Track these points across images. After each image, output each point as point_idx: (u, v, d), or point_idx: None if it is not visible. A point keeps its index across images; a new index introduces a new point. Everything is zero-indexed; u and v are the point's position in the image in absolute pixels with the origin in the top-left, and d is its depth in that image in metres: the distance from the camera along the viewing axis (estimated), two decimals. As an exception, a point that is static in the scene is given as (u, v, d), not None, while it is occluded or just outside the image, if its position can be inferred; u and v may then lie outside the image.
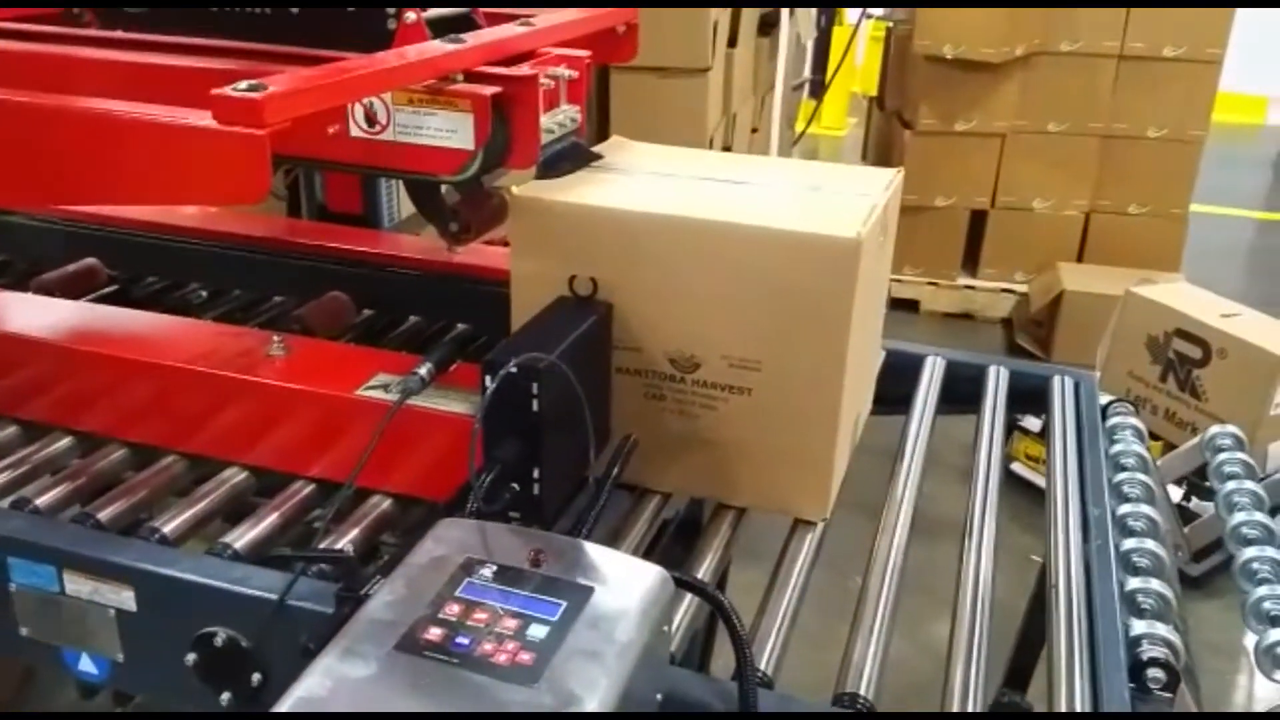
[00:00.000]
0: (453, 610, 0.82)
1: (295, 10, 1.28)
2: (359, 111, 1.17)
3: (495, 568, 0.87)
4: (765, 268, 1.09)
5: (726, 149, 3.80)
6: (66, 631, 1.13)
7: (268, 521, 1.17)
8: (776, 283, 1.10)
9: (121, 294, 1.63)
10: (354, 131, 1.18)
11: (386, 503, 1.20)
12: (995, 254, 4.63)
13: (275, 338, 1.27)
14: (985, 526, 1.22)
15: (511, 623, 0.81)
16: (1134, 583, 1.14)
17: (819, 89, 7.63)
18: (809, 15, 4.54)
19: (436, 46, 1.14)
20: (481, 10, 1.38)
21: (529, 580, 0.86)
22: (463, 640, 0.79)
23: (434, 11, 1.27)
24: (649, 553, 1.18)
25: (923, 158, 4.47)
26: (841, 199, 1.17)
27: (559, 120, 1.26)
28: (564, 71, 1.27)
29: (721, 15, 3.55)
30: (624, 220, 1.13)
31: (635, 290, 1.15)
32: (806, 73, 5.62)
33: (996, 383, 1.57)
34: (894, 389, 1.54)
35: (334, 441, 1.19)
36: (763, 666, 0.98)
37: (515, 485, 1.04)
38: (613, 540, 1.14)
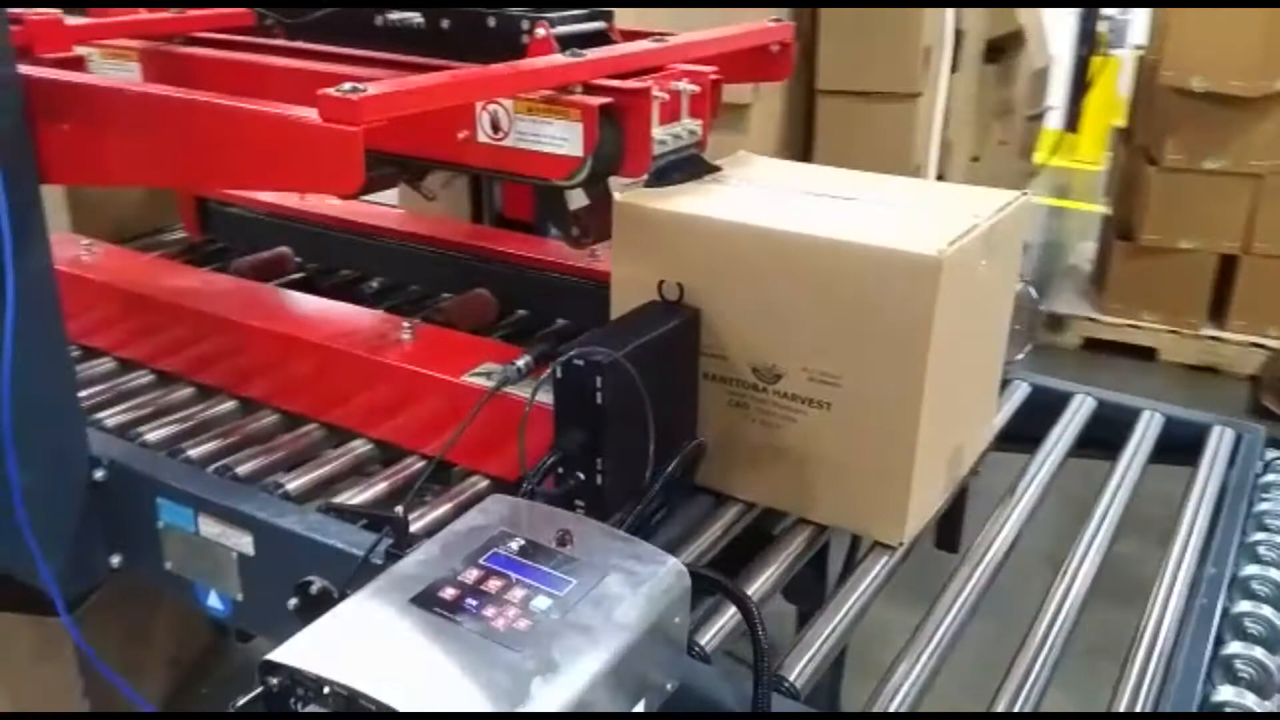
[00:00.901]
0: (472, 575, 0.88)
1: (445, 25, 1.39)
2: (486, 119, 1.27)
3: (523, 542, 0.92)
4: (845, 282, 1.10)
5: (940, 177, 3.71)
6: (199, 568, 1.28)
7: (377, 489, 1.27)
8: (856, 297, 1.10)
9: (304, 281, 1.81)
10: (481, 137, 1.27)
11: (484, 484, 1.28)
12: (1246, 304, 4.27)
13: (405, 323, 1.38)
14: (1076, 580, 1.16)
15: (520, 593, 0.86)
16: (1235, 647, 1.06)
17: (1074, 121, 7.29)
18: (1041, 42, 4.36)
19: (548, 60, 1.22)
20: (621, 28, 1.46)
21: (549, 557, 0.91)
22: (472, 602, 0.85)
23: (568, 28, 1.36)
24: (719, 558, 1.20)
25: (1167, 196, 4.19)
26: (944, 218, 1.15)
27: (675, 132, 1.31)
28: (685, 86, 1.32)
29: (938, 39, 3.48)
30: (710, 228, 1.17)
31: (721, 298, 1.18)
32: (1048, 102, 5.38)
33: (1146, 429, 1.49)
34: (1038, 427, 1.49)
35: (440, 421, 1.28)
36: (792, 677, 0.98)
37: (580, 475, 1.09)
38: (682, 541, 1.17)
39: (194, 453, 1.34)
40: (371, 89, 0.98)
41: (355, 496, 1.25)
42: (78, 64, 1.47)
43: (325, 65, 1.36)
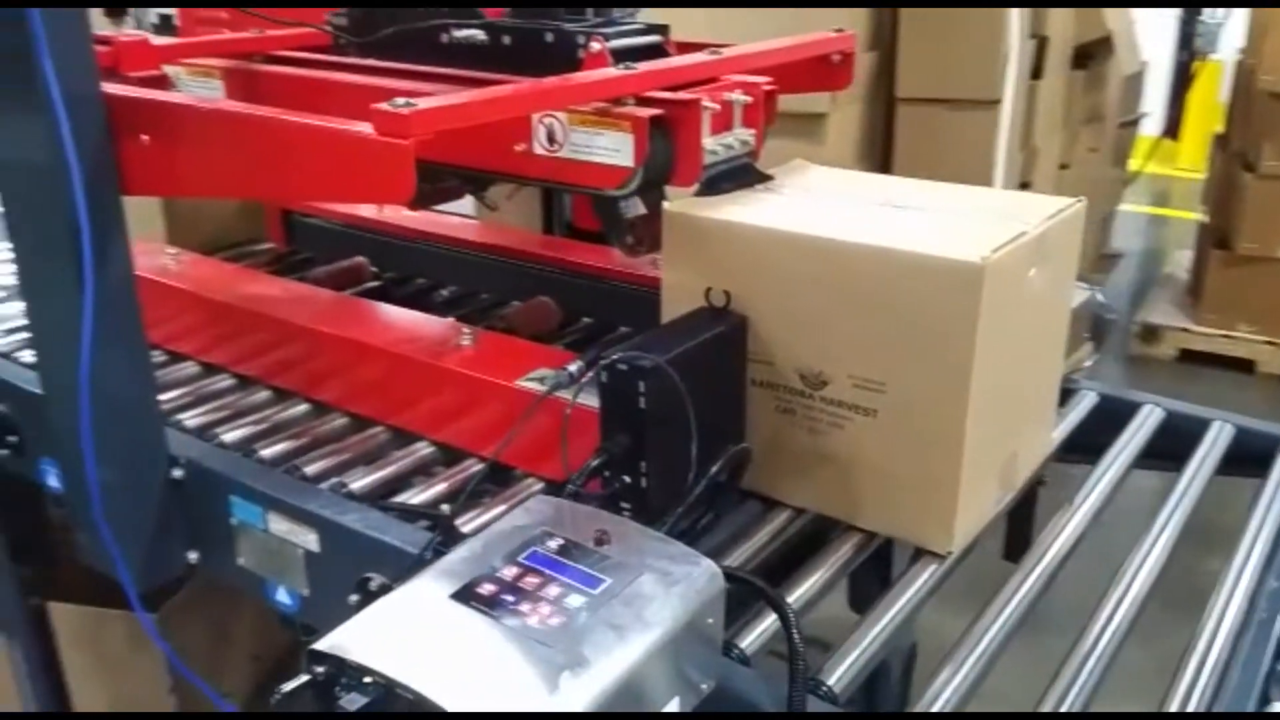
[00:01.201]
0: (510, 573, 0.91)
1: (506, 41, 1.44)
2: (542, 131, 1.30)
3: (562, 541, 0.95)
4: (889, 289, 1.10)
5: (1024, 185, 3.65)
6: (269, 564, 1.33)
7: (436, 489, 1.31)
8: (900, 304, 1.10)
9: (378, 289, 1.87)
10: (537, 149, 1.31)
11: (538, 486, 1.31)
12: (1350, 316, 4.12)
13: (466, 330, 1.43)
14: (1129, 594, 1.14)
15: (555, 590, 0.89)
16: (1293, 663, 1.04)
17: (1172, 127, 7.09)
18: (1132, 47, 4.26)
19: (597, 74, 1.25)
20: (680, 41, 1.49)
21: (586, 556, 0.93)
22: (508, 598, 0.88)
23: (623, 41, 1.39)
24: (775, 564, 1.21)
25: (1264, 204, 4.07)
26: (993, 225, 1.15)
27: (727, 142, 1.32)
28: (737, 97, 1.34)
29: (1021, 45, 3.43)
30: (755, 236, 1.18)
31: (768, 304, 1.19)
32: (1143, 108, 5.24)
33: (1215, 440, 1.45)
34: (1106, 437, 1.47)
35: (497, 424, 1.32)
36: (831, 681, 0.99)
37: (626, 478, 1.12)
38: (728, 546, 1.19)
39: (266, 453, 1.40)
40: (422, 104, 1.03)
41: (415, 497, 1.30)
42: (161, 83, 1.55)
43: (390, 81, 1.41)
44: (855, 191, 1.31)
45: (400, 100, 1.03)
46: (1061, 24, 3.80)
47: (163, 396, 1.54)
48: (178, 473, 1.36)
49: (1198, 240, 4.85)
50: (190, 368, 1.66)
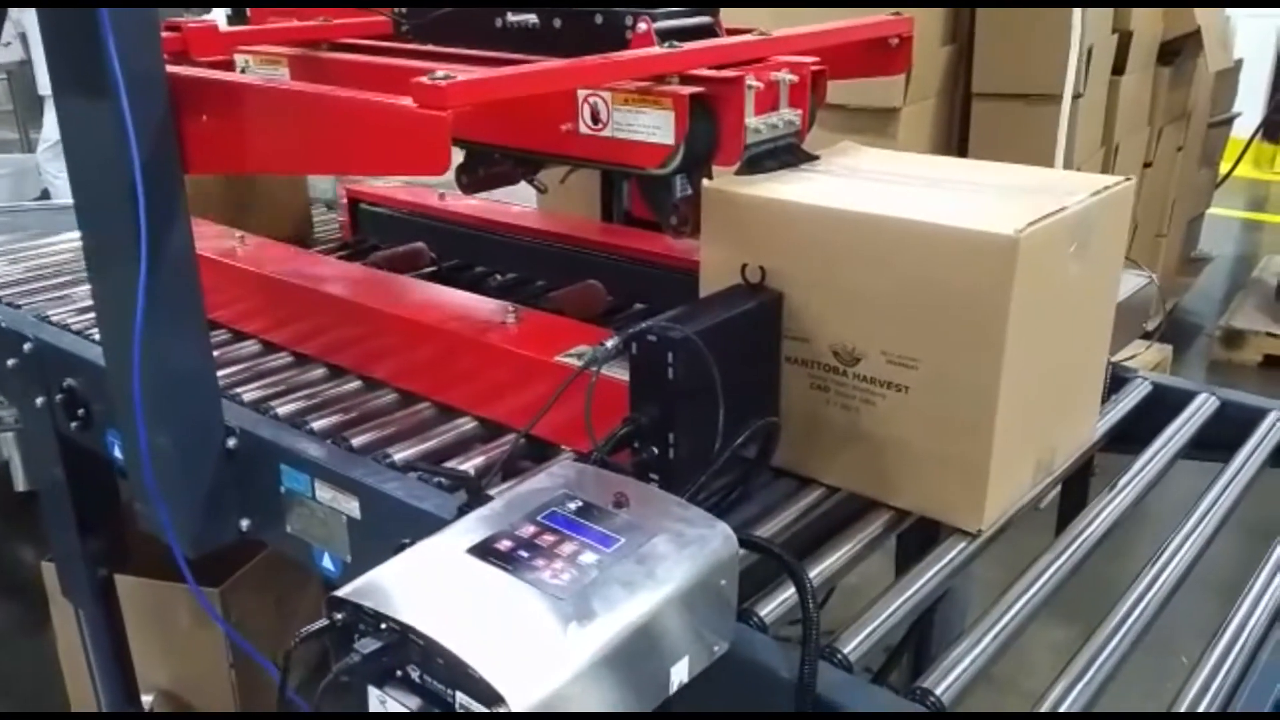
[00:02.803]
0: (528, 531, 0.93)
1: (557, 24, 1.46)
2: (587, 111, 1.32)
3: (580, 503, 0.96)
4: (922, 263, 1.10)
5: (1103, 183, 3.57)
6: (315, 531, 1.37)
7: (475, 461, 1.34)
8: (933, 279, 1.09)
9: (435, 274, 1.91)
10: (582, 129, 1.33)
11: (570, 457, 1.32)
12: None
13: (511, 309, 1.45)
14: (1161, 578, 1.11)
15: (570, 547, 0.90)
16: (1329, 652, 1.01)
17: (1275, 130, 6.86)
18: (1224, 43, 4.13)
19: (637, 52, 1.26)
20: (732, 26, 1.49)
21: (604, 517, 0.94)
22: (524, 554, 0.90)
23: (671, 22, 1.40)
24: (799, 540, 1.20)
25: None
26: (1031, 201, 1.13)
27: (772, 122, 1.33)
28: (784, 76, 1.34)
29: (1103, 40, 3.35)
30: (791, 212, 1.18)
31: (803, 281, 1.19)
32: (1237, 107, 5.08)
33: (1270, 430, 1.41)
34: (1158, 427, 1.44)
35: (536, 400, 1.34)
36: (847, 650, 0.99)
37: (654, 449, 1.13)
38: (757, 520, 1.19)
39: (317, 425, 1.44)
40: (460, 77, 1.05)
41: (454, 467, 1.32)
42: (227, 68, 1.61)
43: (445, 65, 1.44)
44: (901, 170, 1.31)
45: (440, 73, 1.05)
46: (1147, 19, 3.71)
47: (223, 372, 1.60)
48: (232, 442, 1.42)
49: (1290, 244, 4.69)
50: (251, 346, 1.71)
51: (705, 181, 1.27)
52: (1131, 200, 1.25)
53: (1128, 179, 1.24)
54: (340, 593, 0.87)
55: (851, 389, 1.19)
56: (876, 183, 1.25)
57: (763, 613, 1.02)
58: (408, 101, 1.06)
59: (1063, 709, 0.95)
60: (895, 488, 1.20)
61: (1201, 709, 0.95)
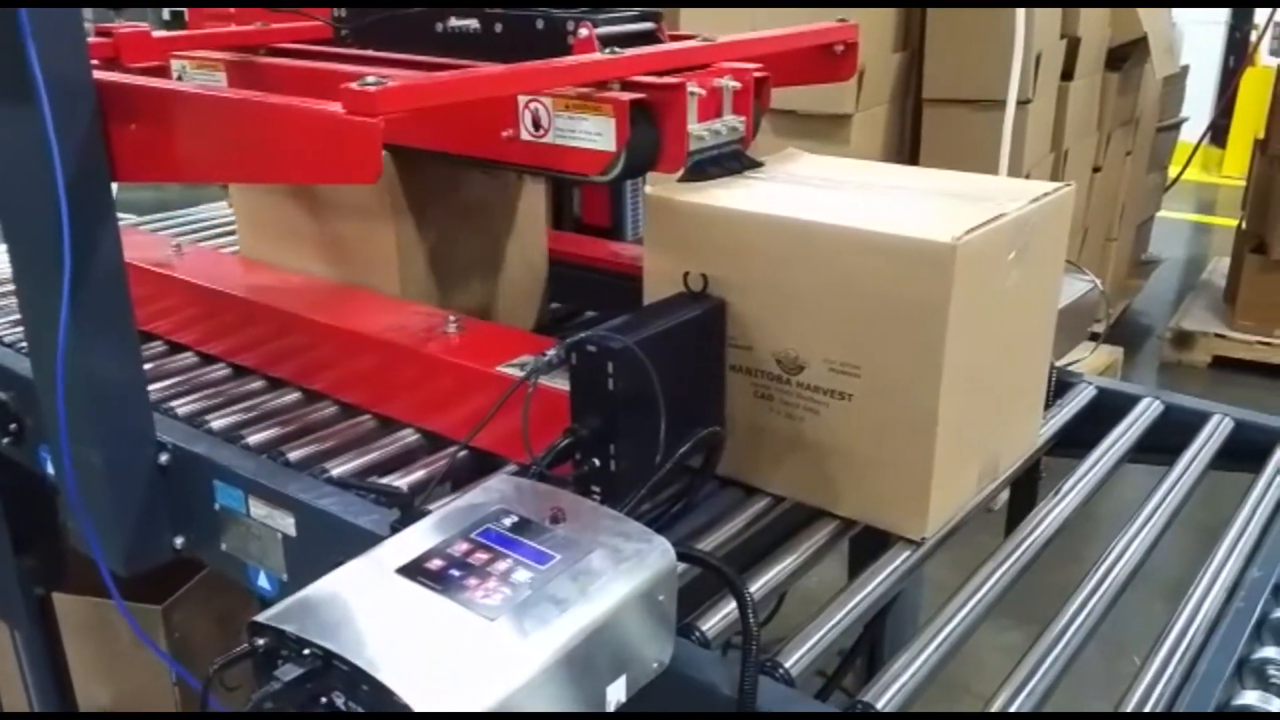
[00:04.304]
0: (460, 549, 0.90)
1: (498, 29, 1.44)
2: (528, 117, 1.30)
3: (516, 519, 0.94)
4: (862, 271, 1.09)
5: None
6: (250, 549, 1.33)
7: (415, 475, 1.31)
8: (871, 286, 1.08)
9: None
10: (524, 135, 1.31)
11: (512, 468, 1.30)
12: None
13: (451, 317, 1.42)
14: (1096, 597, 1.11)
15: (503, 565, 0.88)
16: (1269, 651, 1.00)
17: (1218, 133, 6.95)
18: (1170, 49, 4.18)
19: (575, 58, 1.24)
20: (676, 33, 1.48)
21: (539, 533, 0.92)
22: (455, 573, 0.87)
23: (613, 28, 1.38)
24: (749, 550, 1.19)
25: (1303, 207, 3.97)
26: (971, 208, 1.13)
27: (715, 128, 1.31)
28: (726, 83, 1.33)
29: (1051, 46, 3.38)
30: (732, 219, 1.17)
31: (746, 288, 1.18)
32: (1185, 112, 5.15)
33: (1213, 433, 1.42)
34: (1103, 431, 1.44)
35: (477, 411, 1.31)
36: (789, 664, 0.97)
37: (595, 460, 1.11)
38: (703, 532, 1.17)
39: (253, 439, 1.40)
40: (390, 83, 1.03)
41: (395, 482, 1.29)
42: (162, 74, 1.57)
43: (384, 70, 1.42)
44: (844, 177, 1.30)
45: (370, 79, 1.03)
46: (1095, 25, 3.74)
47: (157, 385, 1.56)
48: (164, 458, 1.38)
49: (1234, 246, 4.76)
50: (188, 358, 1.67)
51: (648, 188, 1.25)
52: (1071, 206, 1.25)
53: (1068, 185, 1.24)
54: (261, 617, 0.84)
55: (795, 397, 1.17)
56: (819, 190, 1.24)
57: (705, 627, 1.01)
58: (337, 108, 1.03)
59: (1013, 709, 0.94)
60: (839, 497, 1.19)
61: (1148, 709, 0.94)
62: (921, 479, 1.11)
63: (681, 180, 1.28)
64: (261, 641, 0.83)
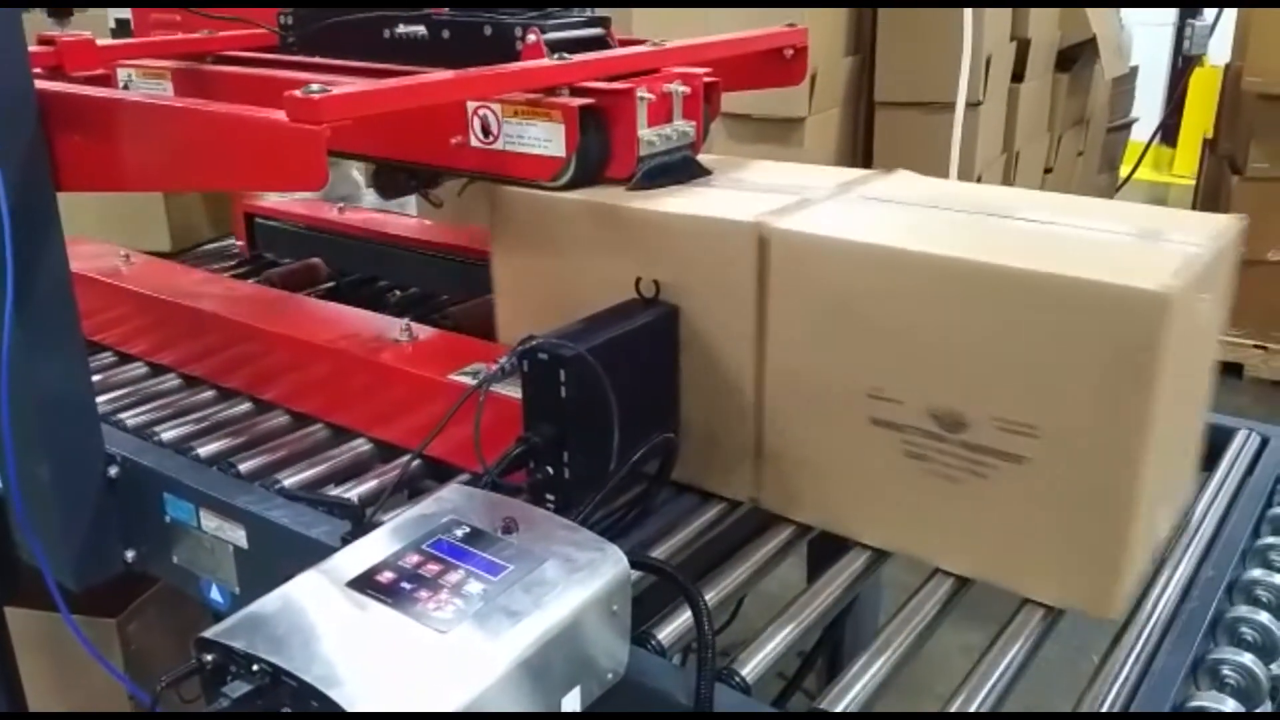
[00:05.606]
0: (412, 560, 0.90)
1: (446, 35, 1.43)
2: (477, 124, 1.29)
3: (468, 529, 0.93)
4: (1036, 318, 0.97)
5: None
6: (202, 562, 1.32)
7: (367, 486, 1.30)
8: (1047, 336, 0.97)
9: (333, 290, 1.86)
10: (473, 141, 1.30)
11: (465, 477, 1.29)
12: (1339, 319, 4.09)
13: (404, 325, 1.42)
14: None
15: (455, 577, 0.87)
16: (1223, 652, 1.02)
17: (1167, 133, 7.05)
18: (1120, 50, 4.25)
19: (521, 64, 1.24)
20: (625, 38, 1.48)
21: (491, 544, 0.92)
22: (406, 586, 0.86)
23: (562, 34, 1.38)
24: (698, 554, 1.19)
25: (1251, 206, 4.03)
26: (1150, 246, 1.04)
27: (665, 134, 1.32)
28: (676, 88, 1.33)
29: (1001, 48, 3.42)
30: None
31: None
32: (1135, 113, 5.23)
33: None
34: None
35: (430, 420, 1.30)
36: (745, 672, 0.97)
37: (549, 468, 1.10)
38: (659, 538, 1.17)
39: (203, 451, 1.38)
40: (335, 90, 1.02)
41: (347, 492, 1.28)
42: (106, 83, 1.54)
43: (331, 77, 1.40)
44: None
45: (314, 86, 1.02)
46: (1044, 26, 3.79)
47: (107, 396, 1.54)
48: (113, 471, 1.35)
49: (1187, 245, 4.83)
50: (138, 368, 1.65)
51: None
52: (1239, 241, 1.14)
53: (1242, 218, 1.15)
54: (209, 633, 0.83)
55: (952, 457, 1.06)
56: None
57: (661, 635, 1.00)
58: (281, 115, 1.02)
59: (971, 709, 0.95)
60: (1015, 572, 1.07)
61: (1105, 709, 0.95)
62: (1113, 553, 1.00)
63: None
64: (209, 658, 0.82)
